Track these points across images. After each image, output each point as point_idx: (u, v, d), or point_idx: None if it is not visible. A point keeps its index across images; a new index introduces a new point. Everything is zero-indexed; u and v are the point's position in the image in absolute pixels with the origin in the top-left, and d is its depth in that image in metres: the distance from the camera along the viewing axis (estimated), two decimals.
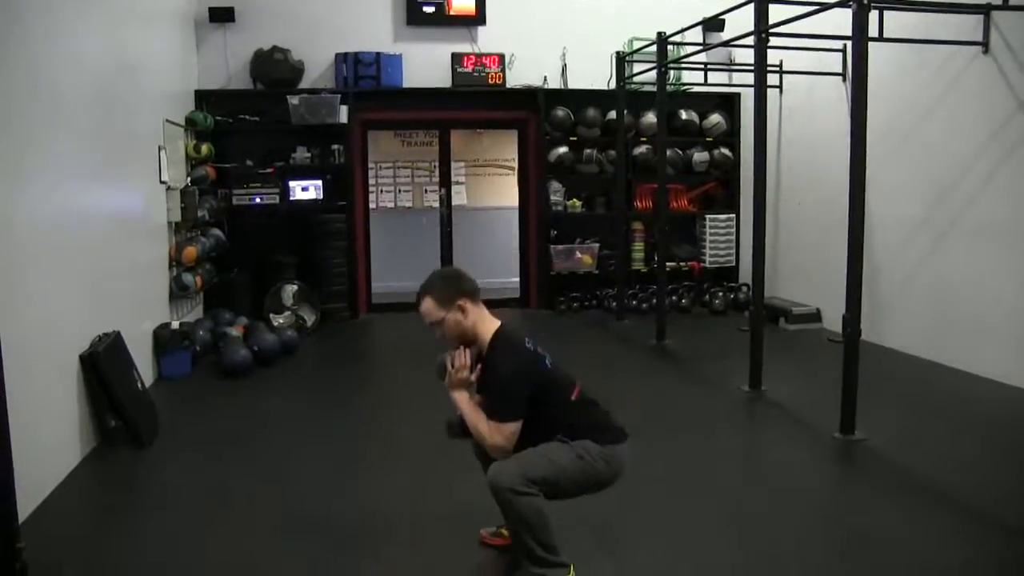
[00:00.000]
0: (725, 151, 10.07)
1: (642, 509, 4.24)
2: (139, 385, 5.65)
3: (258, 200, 9.12)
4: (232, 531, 4.05)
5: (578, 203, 9.94)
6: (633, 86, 9.30)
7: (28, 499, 3.98)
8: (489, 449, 3.30)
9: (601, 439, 3.37)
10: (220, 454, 5.22)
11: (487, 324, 3.45)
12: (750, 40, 6.31)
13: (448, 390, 3.44)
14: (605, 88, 9.65)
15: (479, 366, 3.42)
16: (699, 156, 9.98)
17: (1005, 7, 5.90)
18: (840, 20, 5.50)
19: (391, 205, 11.69)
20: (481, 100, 9.76)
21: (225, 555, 3.81)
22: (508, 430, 3.25)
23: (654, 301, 8.90)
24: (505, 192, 11.61)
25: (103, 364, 5.06)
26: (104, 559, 3.79)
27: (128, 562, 3.76)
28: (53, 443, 4.62)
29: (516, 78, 9.68)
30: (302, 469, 4.90)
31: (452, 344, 3.48)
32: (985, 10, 6.26)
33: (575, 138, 9.82)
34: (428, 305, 3.42)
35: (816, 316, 8.70)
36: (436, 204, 10.61)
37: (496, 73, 9.55)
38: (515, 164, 10.78)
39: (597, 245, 9.97)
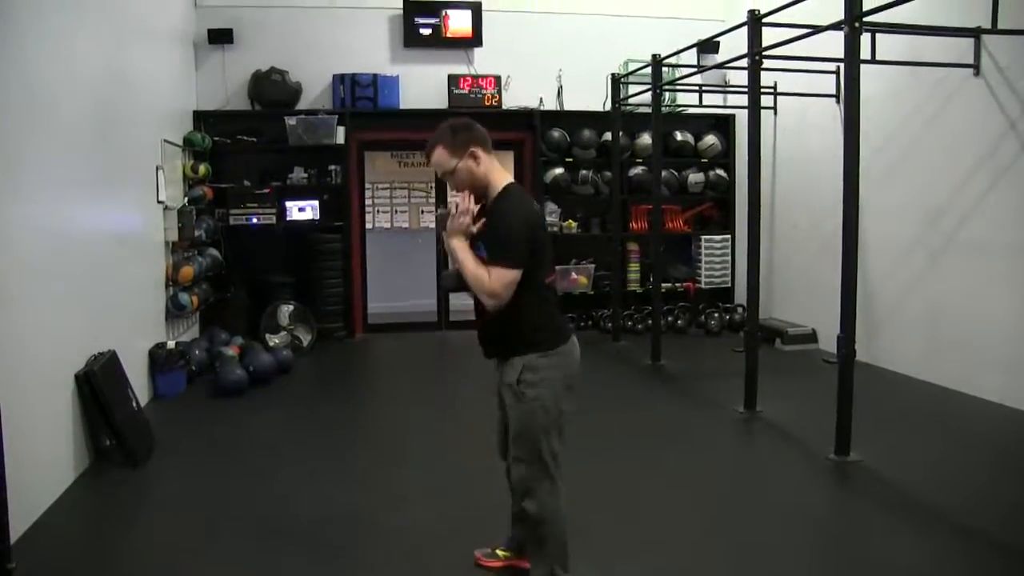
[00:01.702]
0: (720, 172, 10.12)
1: (637, 528, 4.24)
2: (134, 404, 5.64)
3: (255, 220, 9.14)
4: (227, 549, 4.04)
5: (574, 224, 9.96)
6: (628, 107, 9.34)
7: (21, 518, 3.97)
8: (485, 297, 3.18)
9: (548, 343, 3.32)
10: (215, 473, 5.21)
11: (500, 174, 3.36)
12: (744, 62, 6.36)
13: (446, 237, 3.29)
14: (600, 109, 9.71)
15: (482, 220, 3.29)
16: (694, 177, 10.02)
17: (995, 31, 5.95)
18: (833, 43, 5.54)
19: (387, 225, 11.70)
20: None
21: (220, 572, 3.80)
22: (508, 277, 3.14)
23: (649, 322, 8.91)
24: None
25: (98, 383, 5.06)
26: None
27: None
28: (47, 462, 4.61)
29: (512, 100, 9.74)
30: (297, 487, 4.89)
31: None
32: (975, 33, 6.31)
33: (571, 159, 9.85)
34: (440, 154, 3.31)
35: (812, 337, 8.71)
36: (432, 224, 10.62)
37: (492, 95, 9.61)
38: None
39: (592, 266, 9.99)
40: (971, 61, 6.45)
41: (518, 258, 3.16)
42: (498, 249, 3.18)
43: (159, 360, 6.81)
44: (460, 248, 3.25)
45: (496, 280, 3.14)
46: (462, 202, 3.27)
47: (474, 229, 3.26)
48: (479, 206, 3.33)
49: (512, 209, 3.23)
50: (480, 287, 3.18)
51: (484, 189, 3.33)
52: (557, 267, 9.73)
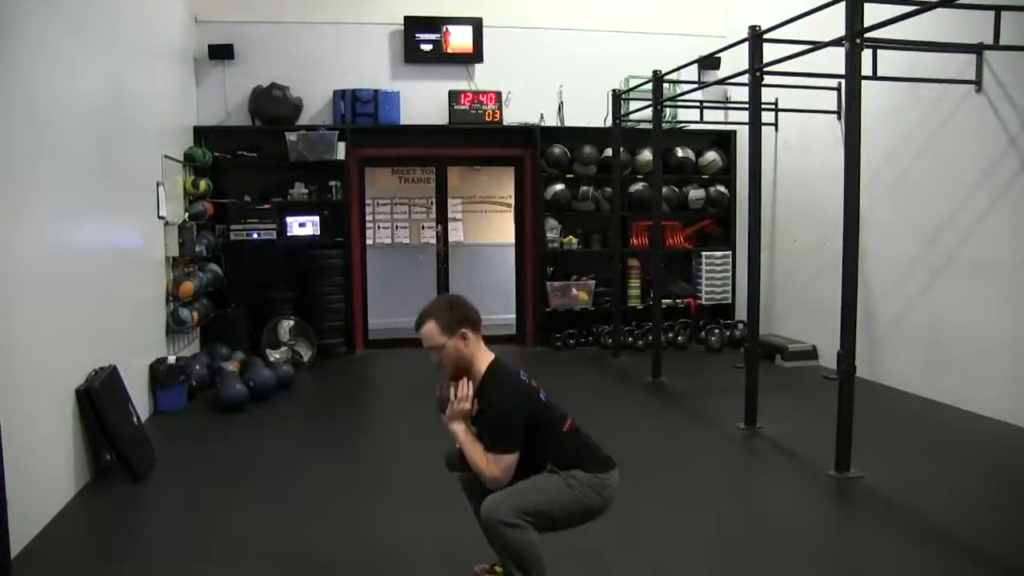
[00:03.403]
0: (721, 188, 10.13)
1: (635, 544, 4.23)
2: (135, 419, 5.63)
3: (255, 236, 9.14)
4: (227, 565, 4.03)
5: (574, 240, 9.97)
6: (629, 123, 9.36)
7: (21, 534, 3.96)
8: (487, 481, 3.27)
9: (590, 468, 3.36)
10: (216, 489, 5.20)
11: (484, 355, 3.44)
12: (745, 78, 6.37)
13: (447, 422, 3.42)
14: (601, 125, 9.71)
15: (475, 399, 3.39)
16: (695, 193, 10.03)
17: (997, 47, 5.96)
18: (834, 59, 5.55)
19: (388, 241, 11.72)
20: (478, 137, 9.82)
21: None
22: (505, 462, 3.24)
23: (650, 338, 8.90)
24: (501, 229, 11.67)
25: (99, 398, 5.05)
26: None
27: None
28: (47, 477, 4.60)
29: (513, 115, 9.76)
30: (297, 503, 4.88)
31: (447, 372, 3.46)
32: (977, 49, 6.33)
33: (571, 175, 9.87)
34: (431, 329, 3.40)
35: (812, 353, 8.70)
36: (433, 240, 10.64)
37: (493, 110, 9.63)
38: (511, 201, 10.81)
39: (593, 282, 9.99)
40: (973, 77, 6.47)
41: (513, 444, 3.27)
42: (492, 438, 3.30)
43: (160, 375, 6.81)
44: (461, 432, 3.39)
45: (495, 466, 3.26)
46: (461, 389, 3.39)
47: (473, 411, 3.38)
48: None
49: (499, 395, 3.33)
50: (482, 474, 3.30)
51: (468, 369, 3.43)
52: (557, 282, 9.77)
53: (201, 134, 9.15)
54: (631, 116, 9.23)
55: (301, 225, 9.35)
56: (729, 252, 10.14)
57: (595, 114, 9.76)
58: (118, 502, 4.94)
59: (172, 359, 7.05)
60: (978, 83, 6.46)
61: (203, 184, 8.61)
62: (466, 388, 3.38)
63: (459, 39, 9.73)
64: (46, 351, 4.63)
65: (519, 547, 3.20)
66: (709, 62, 8.52)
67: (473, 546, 3.78)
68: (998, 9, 5.79)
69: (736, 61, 6.95)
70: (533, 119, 9.80)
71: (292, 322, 8.91)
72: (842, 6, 5.13)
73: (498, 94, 9.64)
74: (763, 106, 6.59)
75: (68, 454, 4.91)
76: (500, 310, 10.79)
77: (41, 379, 4.56)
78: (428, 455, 5.78)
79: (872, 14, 5.04)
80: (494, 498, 3.25)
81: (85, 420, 5.08)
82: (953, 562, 4.02)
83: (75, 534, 4.51)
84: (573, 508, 3.32)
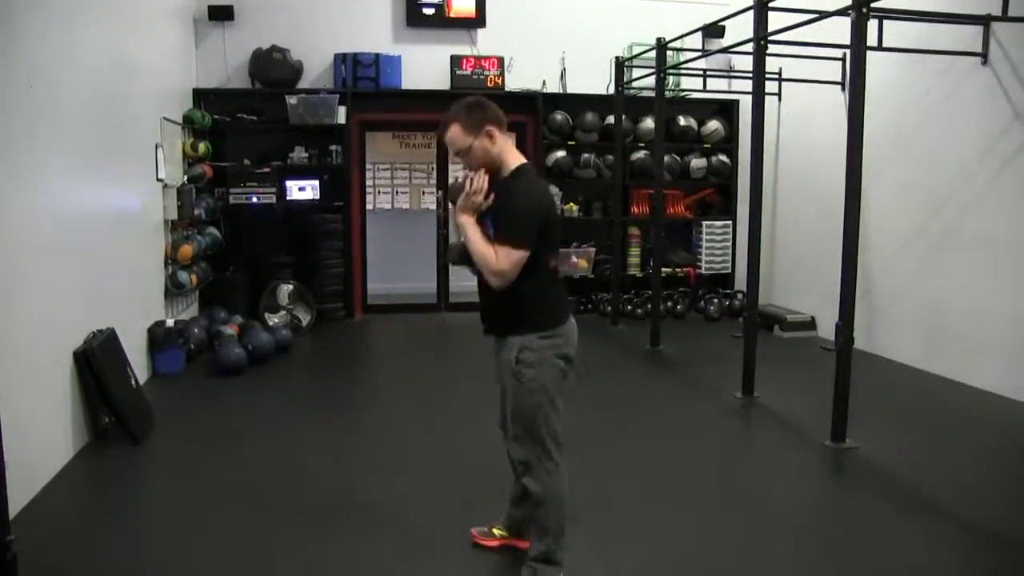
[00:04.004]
0: (723, 158, 10.10)
1: (632, 512, 4.25)
2: (133, 382, 5.64)
3: (255, 199, 9.11)
4: (225, 526, 4.05)
5: (575, 207, 9.94)
6: (632, 91, 9.32)
7: (20, 493, 3.98)
8: (492, 274, 3.19)
9: (548, 323, 3.33)
10: (213, 450, 5.22)
11: (514, 154, 3.35)
12: (749, 47, 6.32)
13: (457, 212, 3.31)
14: (604, 93, 9.68)
15: (493, 193, 3.28)
16: (697, 162, 10.00)
17: (1005, 18, 5.91)
18: (839, 29, 5.50)
19: (388, 206, 11.68)
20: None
21: (218, 549, 3.81)
22: (516, 256, 3.15)
23: (649, 306, 8.91)
24: None
25: (97, 361, 5.06)
26: (95, 553, 3.80)
27: (119, 556, 3.76)
28: (46, 438, 4.62)
29: (515, 81, 9.70)
30: (295, 465, 4.90)
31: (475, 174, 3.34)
32: (985, 20, 6.27)
33: (573, 142, 9.84)
34: (455, 131, 3.28)
35: (811, 324, 8.72)
36: (433, 206, 10.61)
37: (495, 76, 9.57)
38: None
39: (593, 249, 9.98)
40: (979, 49, 6.41)
41: (526, 239, 3.16)
42: (506, 229, 3.18)
43: (158, 338, 6.81)
44: (470, 225, 3.26)
45: (503, 259, 3.15)
46: (477, 180, 3.26)
47: (484, 205, 3.26)
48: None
49: (523, 190, 3.23)
50: (486, 266, 3.20)
51: (498, 169, 3.32)
52: (560, 250, 9.74)
53: (200, 96, 9.09)
54: (634, 84, 9.18)
55: (301, 189, 9.32)
56: (730, 222, 10.12)
57: (598, 81, 9.72)
58: (116, 463, 4.97)
59: (170, 322, 7.05)
60: (984, 55, 6.41)
61: (202, 147, 8.57)
62: (480, 180, 3.27)
63: (462, 3, 9.64)
64: (45, 313, 4.63)
65: (551, 498, 3.32)
66: (713, 30, 8.44)
67: (470, 504, 3.81)
68: None
69: (740, 29, 6.89)
70: (535, 86, 9.74)
71: (291, 286, 8.90)
72: None
73: (500, 59, 9.57)
74: (767, 76, 6.55)
75: (66, 416, 4.92)
76: None
77: (40, 341, 4.56)
78: (426, 418, 5.83)
79: None
80: (522, 458, 3.35)
81: (83, 382, 5.09)
82: (946, 532, 4.05)
83: (74, 495, 4.53)
84: (553, 394, 3.33)
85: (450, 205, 3.32)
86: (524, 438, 3.33)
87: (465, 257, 3.32)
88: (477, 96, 3.39)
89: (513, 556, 3.63)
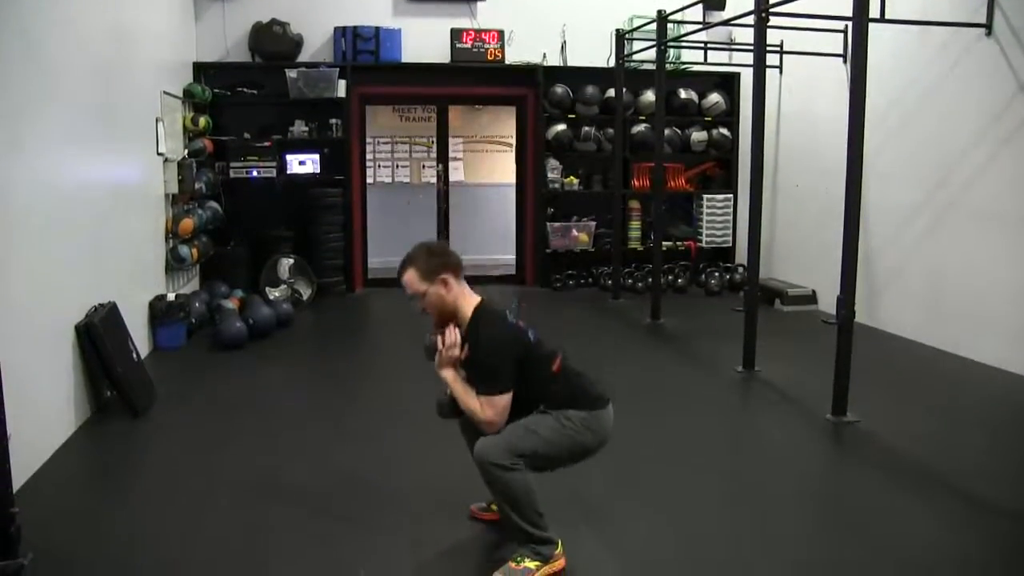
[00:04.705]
0: (723, 131, 10.08)
1: (632, 486, 4.27)
2: (134, 356, 5.65)
3: (255, 173, 9.09)
4: (226, 501, 4.07)
5: (575, 181, 9.92)
6: (632, 64, 9.28)
7: (23, 466, 4.00)
8: (481, 424, 3.28)
9: (583, 406, 3.36)
10: (215, 425, 5.24)
11: (468, 299, 3.42)
12: (751, 19, 6.27)
13: (437, 369, 3.41)
14: (604, 66, 9.63)
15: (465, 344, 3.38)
16: (697, 136, 9.98)
17: None
18: (841, 0, 5.47)
19: (388, 180, 11.67)
20: (480, 76, 9.71)
21: (219, 524, 3.83)
22: (499, 403, 3.24)
23: (649, 280, 8.91)
24: (502, 169, 11.62)
25: (98, 334, 5.07)
26: (97, 525, 3.82)
27: (121, 528, 3.79)
28: (48, 412, 4.63)
29: (515, 55, 9.64)
30: (295, 440, 4.92)
31: (433, 319, 3.45)
32: None
33: (573, 116, 9.81)
34: (411, 277, 3.38)
35: (812, 298, 8.72)
36: (433, 180, 10.59)
37: (495, 49, 9.51)
38: (513, 141, 10.75)
39: (593, 223, 9.97)
40: (983, 21, 6.37)
41: (504, 383, 3.26)
42: (483, 381, 3.29)
43: (159, 312, 6.82)
44: (452, 380, 3.38)
45: (489, 409, 3.25)
46: (448, 335, 3.36)
47: (462, 356, 3.35)
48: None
49: (485, 339, 3.30)
50: (476, 419, 3.31)
51: (452, 315, 3.40)
52: (557, 223, 9.76)
53: (200, 70, 9.05)
54: (634, 57, 9.14)
55: (301, 163, 9.30)
56: (730, 195, 10.11)
57: (598, 54, 9.68)
58: (118, 437, 4.99)
59: (171, 296, 7.05)
60: (988, 27, 6.37)
61: (202, 121, 8.54)
62: (453, 335, 3.36)
63: None
64: (46, 287, 4.63)
65: (514, 490, 3.22)
66: (714, 3, 8.42)
67: (470, 483, 3.80)
68: None
69: (741, 1, 6.85)
70: (536, 58, 9.69)
71: (292, 260, 8.91)
72: None
73: (501, 33, 9.51)
74: (768, 48, 6.51)
75: (68, 390, 4.94)
76: (500, 250, 10.80)
77: (41, 315, 4.57)
78: (426, 393, 5.83)
79: None
80: (487, 440, 3.26)
81: (85, 356, 5.10)
82: (948, 506, 4.06)
83: (76, 468, 4.56)
84: (567, 447, 3.33)
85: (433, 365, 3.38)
86: (511, 446, 3.24)
87: (455, 410, 3.45)
88: (438, 242, 3.49)
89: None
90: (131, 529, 3.79)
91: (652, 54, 8.28)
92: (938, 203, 6.98)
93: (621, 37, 9.05)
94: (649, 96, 9.49)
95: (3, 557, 2.99)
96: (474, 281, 3.60)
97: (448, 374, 3.38)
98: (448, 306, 3.39)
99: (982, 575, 3.47)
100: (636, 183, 9.93)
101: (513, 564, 3.31)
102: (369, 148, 10.61)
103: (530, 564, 3.30)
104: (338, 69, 9.18)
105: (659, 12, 7.92)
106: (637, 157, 9.85)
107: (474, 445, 3.35)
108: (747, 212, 6.49)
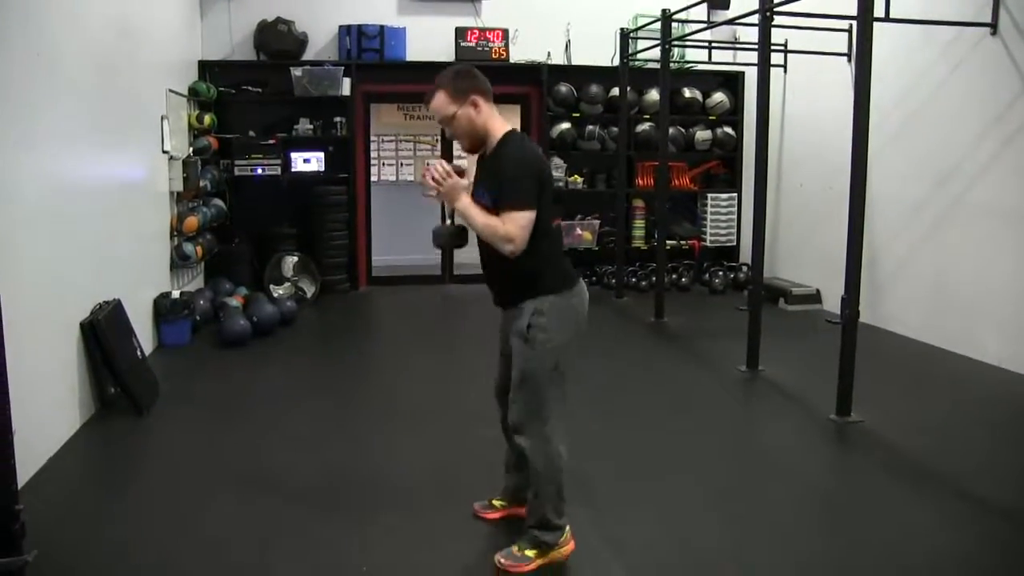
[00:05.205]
0: (728, 130, 10.07)
1: (634, 484, 4.27)
2: (139, 353, 5.67)
3: (260, 171, 9.09)
4: (230, 498, 4.08)
5: (579, 179, 9.92)
6: (637, 63, 9.27)
7: (27, 463, 4.00)
8: (504, 242, 3.13)
9: (555, 283, 3.30)
10: (219, 422, 5.26)
11: (499, 123, 3.31)
12: (755, 19, 6.27)
13: (448, 202, 3.29)
14: (608, 65, 9.63)
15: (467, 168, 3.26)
16: (701, 134, 9.97)
17: None
18: None
19: (393, 178, 11.67)
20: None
21: (223, 521, 3.84)
22: (523, 219, 3.11)
23: (653, 279, 8.91)
24: None
25: (103, 331, 5.08)
26: (101, 522, 3.83)
27: (125, 525, 3.79)
28: (52, 409, 4.65)
29: (520, 53, 9.65)
30: (299, 437, 4.93)
31: (463, 144, 3.36)
32: None
33: (577, 114, 9.80)
34: (440, 99, 3.27)
35: (816, 297, 8.71)
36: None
37: (500, 48, 9.52)
38: None
39: (597, 222, 9.97)
40: (989, 20, 6.36)
41: (529, 199, 3.13)
42: (508, 193, 3.14)
43: (164, 310, 6.83)
44: (467, 205, 3.24)
45: (511, 224, 3.11)
46: (437, 169, 3.27)
47: (465, 183, 3.26)
48: (466, 158, 3.31)
49: (515, 153, 3.21)
50: (495, 235, 3.15)
51: (483, 138, 3.30)
52: (563, 222, 9.75)
53: (205, 68, 9.05)
54: (639, 55, 9.13)
55: (306, 161, 9.31)
56: (735, 194, 10.09)
57: (602, 53, 9.68)
58: (122, 434, 5.00)
59: (176, 294, 7.06)
60: (994, 26, 6.36)
61: (207, 119, 8.55)
62: (440, 167, 3.26)
63: None
64: (51, 284, 4.65)
65: (545, 464, 3.29)
66: (718, 1, 8.42)
67: (474, 477, 3.83)
68: None
69: (746, 1, 6.84)
70: (540, 57, 9.69)
71: (296, 258, 8.92)
72: None
73: (505, 31, 9.52)
74: (772, 47, 6.51)
75: (73, 386, 4.95)
76: None
77: (46, 311, 4.57)
78: (430, 391, 5.85)
79: None
80: (516, 412, 3.31)
81: (89, 353, 5.11)
82: (952, 506, 4.06)
83: (80, 464, 4.57)
84: (564, 357, 3.32)
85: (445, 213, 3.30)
86: (526, 402, 3.29)
87: (452, 239, 3.36)
88: (466, 64, 3.37)
89: (515, 526, 3.61)
90: (134, 526, 3.80)
91: (656, 53, 8.28)
92: (942, 202, 6.97)
93: (625, 36, 9.05)
94: (653, 95, 9.51)
95: (7, 554, 2.99)
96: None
97: (461, 201, 3.25)
98: (478, 130, 3.28)
99: None
100: (640, 182, 9.93)
101: (516, 550, 3.37)
102: (373, 146, 10.61)
103: (529, 552, 3.34)
104: (343, 67, 9.19)
105: (663, 11, 7.91)
106: (641, 156, 9.85)
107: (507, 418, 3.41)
108: (751, 211, 6.50)
